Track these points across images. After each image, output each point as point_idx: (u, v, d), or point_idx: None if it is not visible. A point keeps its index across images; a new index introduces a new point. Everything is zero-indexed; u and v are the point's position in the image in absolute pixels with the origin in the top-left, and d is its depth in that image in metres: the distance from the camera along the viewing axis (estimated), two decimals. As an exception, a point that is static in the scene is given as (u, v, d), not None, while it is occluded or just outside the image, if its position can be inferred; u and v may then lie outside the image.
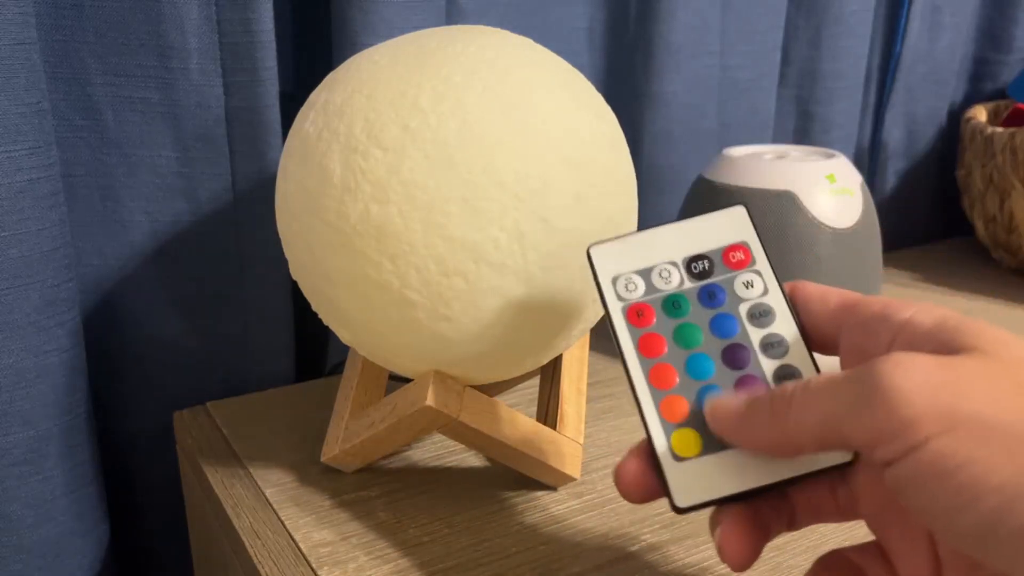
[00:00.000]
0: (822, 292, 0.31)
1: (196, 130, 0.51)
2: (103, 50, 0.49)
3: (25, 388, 0.46)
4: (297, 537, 0.39)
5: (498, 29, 0.40)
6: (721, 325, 0.31)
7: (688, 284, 0.32)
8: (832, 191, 0.52)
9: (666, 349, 0.31)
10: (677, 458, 0.29)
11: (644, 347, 0.31)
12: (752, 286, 0.32)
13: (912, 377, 0.23)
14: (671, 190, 0.69)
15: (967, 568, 0.26)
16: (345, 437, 0.42)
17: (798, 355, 0.30)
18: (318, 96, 0.39)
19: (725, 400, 0.29)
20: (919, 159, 0.87)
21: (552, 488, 0.43)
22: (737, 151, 0.58)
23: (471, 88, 0.36)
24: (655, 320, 0.31)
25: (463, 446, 0.47)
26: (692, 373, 0.30)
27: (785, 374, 0.30)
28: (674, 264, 0.32)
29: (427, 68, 0.36)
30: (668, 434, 0.30)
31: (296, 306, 0.58)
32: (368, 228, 0.35)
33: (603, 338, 0.61)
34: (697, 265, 0.32)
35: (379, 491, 0.43)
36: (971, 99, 0.89)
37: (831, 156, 0.55)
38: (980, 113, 0.80)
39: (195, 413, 0.52)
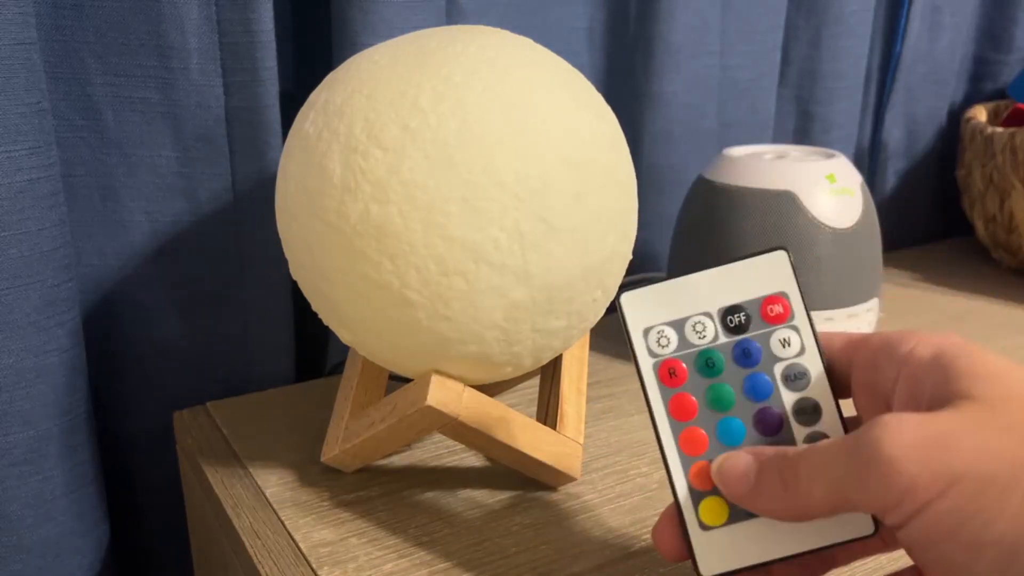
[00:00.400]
0: (826, 337, 0.31)
1: (196, 130, 0.51)
2: (103, 50, 0.49)
3: (25, 388, 0.46)
4: (297, 537, 0.39)
5: (498, 29, 0.40)
6: (755, 387, 0.31)
7: (723, 339, 0.31)
8: (832, 191, 0.52)
9: (697, 412, 0.31)
10: (704, 527, 0.29)
11: (675, 409, 0.31)
12: (788, 344, 0.31)
13: (902, 442, 0.24)
14: (671, 190, 0.69)
15: None
16: (345, 437, 0.42)
17: (829, 422, 0.30)
18: (318, 96, 0.39)
19: (733, 464, 0.29)
20: (919, 159, 0.87)
21: (552, 488, 0.43)
22: (737, 151, 0.58)
23: (471, 88, 0.36)
24: (687, 379, 0.31)
25: (463, 446, 0.47)
26: (723, 439, 0.30)
27: (815, 441, 0.29)
28: (709, 316, 0.31)
29: (427, 68, 0.36)
30: (696, 503, 0.29)
31: (296, 306, 0.58)
32: (368, 228, 0.35)
33: (603, 338, 0.61)
34: (733, 319, 0.31)
35: (379, 491, 0.43)
36: (971, 99, 0.89)
37: (831, 156, 0.55)
38: (980, 113, 0.80)
39: (195, 413, 0.52)
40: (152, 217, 0.52)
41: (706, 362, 0.31)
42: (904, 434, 0.24)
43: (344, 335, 0.39)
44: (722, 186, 0.54)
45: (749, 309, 0.31)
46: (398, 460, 0.46)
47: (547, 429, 0.41)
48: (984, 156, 0.74)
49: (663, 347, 0.31)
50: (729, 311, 0.31)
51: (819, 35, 0.74)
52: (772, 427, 0.30)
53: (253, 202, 0.53)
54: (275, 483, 0.44)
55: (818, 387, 0.30)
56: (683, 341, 0.31)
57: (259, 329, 0.56)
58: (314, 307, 0.40)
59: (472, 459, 0.46)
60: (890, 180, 0.85)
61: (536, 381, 0.54)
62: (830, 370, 0.31)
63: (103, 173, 0.51)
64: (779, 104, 0.77)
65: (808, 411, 0.30)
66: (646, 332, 0.31)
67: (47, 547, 0.48)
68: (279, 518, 0.41)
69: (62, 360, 0.47)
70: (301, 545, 0.39)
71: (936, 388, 0.26)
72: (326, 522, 0.40)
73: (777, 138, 0.78)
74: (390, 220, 0.35)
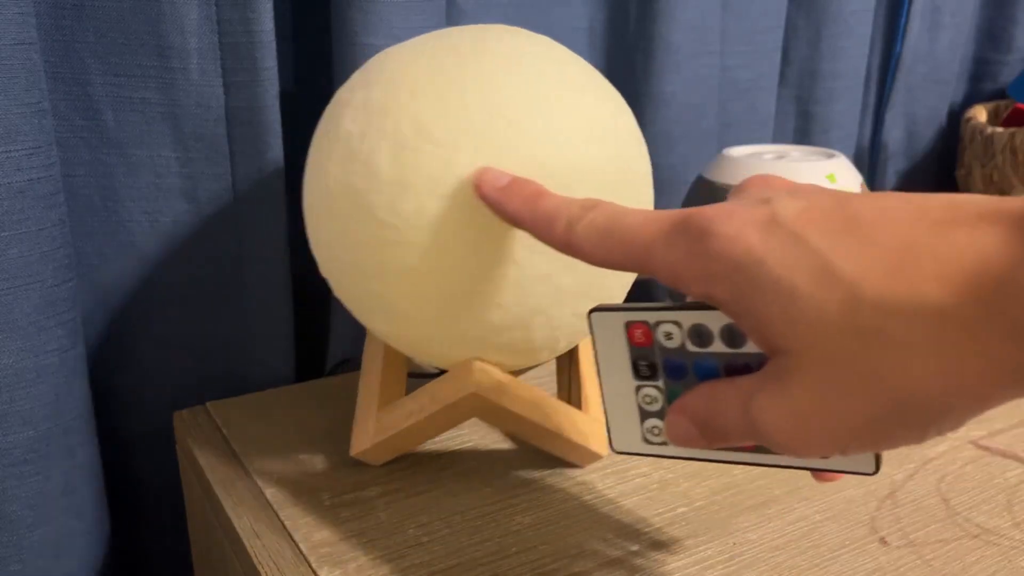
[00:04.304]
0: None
1: (196, 130, 0.51)
2: (103, 50, 0.49)
3: (25, 388, 0.46)
4: (297, 537, 0.39)
5: (518, 28, 0.42)
6: (704, 371, 0.30)
7: (653, 389, 0.32)
8: (832, 191, 0.52)
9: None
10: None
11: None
12: (672, 336, 0.30)
13: (774, 425, 0.25)
14: (671, 190, 0.69)
15: None
16: (378, 430, 0.43)
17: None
18: (352, 95, 0.39)
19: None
20: (919, 159, 0.87)
21: (554, 484, 0.43)
22: (737, 151, 0.58)
23: (512, 85, 0.37)
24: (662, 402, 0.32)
25: (462, 446, 0.47)
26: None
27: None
28: (633, 389, 0.32)
29: (468, 66, 0.38)
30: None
31: (296, 306, 0.58)
32: (423, 222, 0.36)
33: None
34: (642, 370, 0.32)
35: (379, 491, 0.43)
36: (971, 99, 0.89)
37: (831, 156, 0.55)
38: (980, 113, 0.80)
39: (195, 413, 0.52)
40: (152, 217, 0.52)
41: (657, 395, 0.32)
42: (772, 415, 0.25)
43: (383, 329, 0.40)
44: (722, 186, 0.54)
45: (638, 357, 0.31)
46: (398, 460, 0.46)
47: (575, 410, 0.43)
48: (984, 156, 0.74)
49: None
50: (635, 370, 0.32)
51: (819, 35, 0.74)
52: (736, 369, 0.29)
53: (253, 202, 0.53)
54: (275, 483, 0.44)
55: (713, 319, 0.29)
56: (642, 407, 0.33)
57: (259, 329, 0.56)
58: (347, 303, 0.41)
59: (472, 459, 0.46)
60: (890, 180, 0.85)
61: (536, 370, 0.54)
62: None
63: (103, 173, 0.51)
64: (779, 104, 0.77)
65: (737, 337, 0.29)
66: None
67: (47, 547, 0.48)
68: (279, 518, 0.41)
69: (62, 360, 0.47)
70: (301, 545, 0.39)
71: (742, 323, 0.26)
72: (326, 522, 0.40)
73: (777, 138, 0.78)
74: (445, 213, 0.36)
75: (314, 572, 0.37)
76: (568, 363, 0.48)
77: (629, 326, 0.31)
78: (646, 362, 0.31)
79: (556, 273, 0.38)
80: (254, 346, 0.56)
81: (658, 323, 0.31)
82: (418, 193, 0.36)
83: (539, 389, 0.42)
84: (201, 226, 0.53)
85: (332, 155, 0.39)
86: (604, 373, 0.33)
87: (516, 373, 0.52)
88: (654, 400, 0.32)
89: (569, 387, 0.47)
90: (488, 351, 0.40)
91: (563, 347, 0.42)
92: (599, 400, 0.45)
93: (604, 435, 0.44)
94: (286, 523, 0.40)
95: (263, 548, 0.39)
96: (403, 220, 0.36)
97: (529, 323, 0.38)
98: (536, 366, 0.51)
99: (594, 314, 0.32)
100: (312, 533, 0.40)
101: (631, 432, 0.33)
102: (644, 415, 0.33)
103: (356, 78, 0.41)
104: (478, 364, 0.40)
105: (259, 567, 0.37)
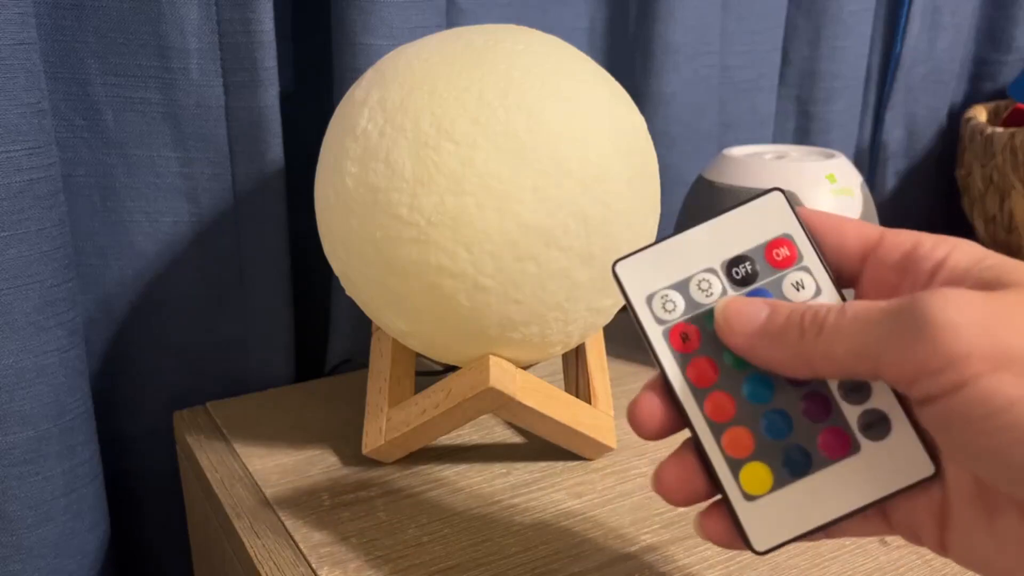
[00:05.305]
0: (835, 224, 0.29)
1: (196, 130, 0.51)
2: (103, 50, 0.49)
3: (25, 388, 0.46)
4: (297, 537, 0.39)
5: (528, 28, 0.42)
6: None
7: (732, 292, 0.28)
8: (832, 191, 0.52)
9: (719, 375, 0.28)
10: (749, 497, 0.27)
11: (694, 375, 0.28)
12: (803, 287, 0.28)
13: (962, 312, 0.22)
14: (671, 190, 0.69)
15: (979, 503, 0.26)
16: (391, 427, 0.43)
17: None
18: (368, 94, 0.39)
19: (741, 306, 0.27)
20: (919, 159, 0.86)
21: (558, 484, 0.43)
22: (737, 151, 0.58)
23: (531, 83, 0.38)
24: (702, 341, 0.28)
25: (461, 446, 0.47)
26: (752, 398, 0.28)
27: (851, 386, 0.27)
28: (712, 271, 0.29)
29: (485, 64, 0.38)
30: (736, 472, 0.27)
31: (296, 306, 0.58)
32: (444, 219, 0.37)
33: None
34: (739, 270, 0.28)
35: (379, 491, 0.43)
36: (971, 99, 0.89)
37: (831, 156, 0.55)
38: (980, 113, 0.80)
39: (195, 413, 0.52)
40: (152, 217, 0.52)
41: None
42: (964, 305, 0.22)
43: (399, 327, 0.41)
44: (722, 186, 0.54)
45: (754, 257, 0.29)
46: (398, 460, 0.46)
47: (585, 404, 0.44)
48: (984, 156, 0.74)
49: (670, 312, 0.28)
50: (733, 263, 0.29)
51: (819, 35, 0.74)
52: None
53: (253, 202, 0.53)
54: (275, 483, 0.44)
55: None
56: (690, 302, 0.28)
57: (259, 329, 0.56)
58: (361, 301, 0.41)
59: (471, 459, 0.46)
60: (890, 180, 0.85)
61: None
62: (832, 264, 0.29)
63: (103, 173, 0.51)
64: (779, 104, 0.77)
65: None
66: (649, 299, 0.29)
67: (47, 547, 0.48)
68: (279, 518, 0.41)
69: (62, 360, 0.47)
70: (301, 545, 0.39)
71: (980, 285, 0.24)
72: (326, 522, 0.40)
73: (777, 138, 0.78)
74: (466, 210, 0.36)
75: (314, 572, 0.37)
76: (575, 358, 0.49)
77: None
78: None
79: (573, 268, 0.38)
80: (254, 346, 0.56)
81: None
82: (439, 190, 0.36)
83: (549, 384, 0.42)
84: (201, 226, 0.53)
85: (349, 153, 0.39)
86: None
87: (523, 368, 0.52)
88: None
89: (577, 381, 0.48)
90: (503, 347, 0.40)
91: (575, 341, 0.42)
92: (605, 393, 0.46)
93: (611, 428, 0.44)
94: (286, 523, 0.40)
95: (263, 548, 0.39)
96: (423, 217, 0.37)
97: (545, 318, 0.39)
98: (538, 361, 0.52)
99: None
100: (312, 533, 0.40)
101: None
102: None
103: (370, 77, 0.41)
104: (494, 359, 0.40)
105: (259, 567, 0.37)
